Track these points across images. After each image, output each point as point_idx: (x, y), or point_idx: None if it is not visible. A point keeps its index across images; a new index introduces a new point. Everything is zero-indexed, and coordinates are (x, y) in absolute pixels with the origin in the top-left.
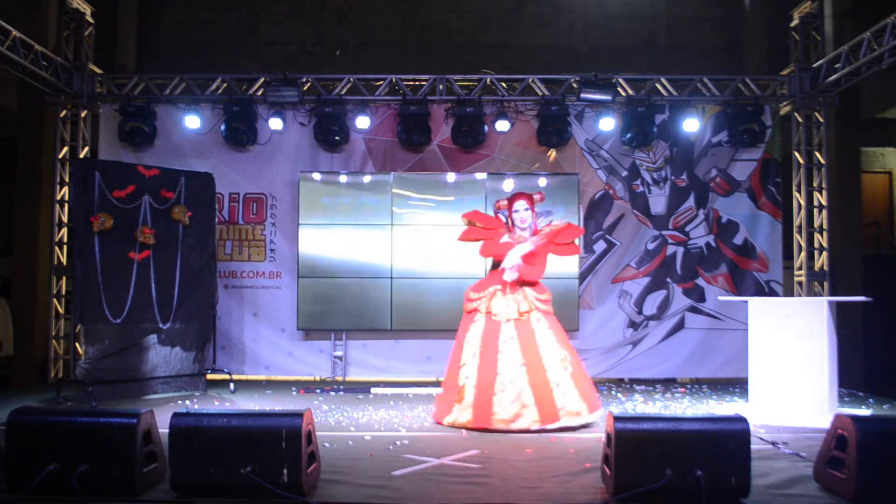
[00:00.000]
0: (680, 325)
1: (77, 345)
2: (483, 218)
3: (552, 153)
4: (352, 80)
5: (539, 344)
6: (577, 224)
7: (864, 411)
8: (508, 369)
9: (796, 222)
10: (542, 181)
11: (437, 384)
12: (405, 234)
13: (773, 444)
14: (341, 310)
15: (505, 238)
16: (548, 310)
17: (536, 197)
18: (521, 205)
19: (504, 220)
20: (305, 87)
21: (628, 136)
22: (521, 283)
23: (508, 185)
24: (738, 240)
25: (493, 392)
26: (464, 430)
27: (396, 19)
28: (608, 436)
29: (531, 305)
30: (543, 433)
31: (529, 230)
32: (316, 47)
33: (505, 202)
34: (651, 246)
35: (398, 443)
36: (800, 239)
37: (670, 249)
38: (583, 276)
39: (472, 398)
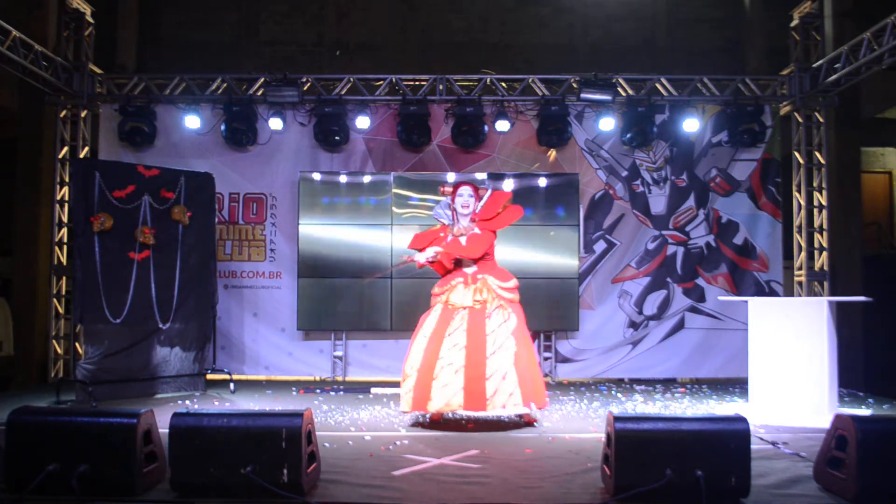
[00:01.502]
0: (680, 325)
1: (77, 345)
2: (424, 236)
3: (552, 153)
4: (352, 80)
5: (487, 332)
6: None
7: (864, 411)
8: (448, 353)
9: (796, 222)
10: (542, 181)
11: None
12: (405, 234)
13: (773, 444)
14: (341, 310)
15: (450, 236)
16: (512, 298)
17: (482, 191)
18: (465, 190)
19: (445, 211)
20: (305, 87)
21: (628, 136)
22: (475, 262)
23: (508, 185)
24: (738, 240)
25: (432, 377)
26: (406, 415)
27: (396, 19)
28: (608, 436)
29: (491, 294)
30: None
31: (469, 217)
32: (316, 47)
33: (450, 188)
34: (651, 246)
35: (398, 443)
36: (800, 239)
37: (670, 249)
38: (583, 276)
39: (413, 381)
